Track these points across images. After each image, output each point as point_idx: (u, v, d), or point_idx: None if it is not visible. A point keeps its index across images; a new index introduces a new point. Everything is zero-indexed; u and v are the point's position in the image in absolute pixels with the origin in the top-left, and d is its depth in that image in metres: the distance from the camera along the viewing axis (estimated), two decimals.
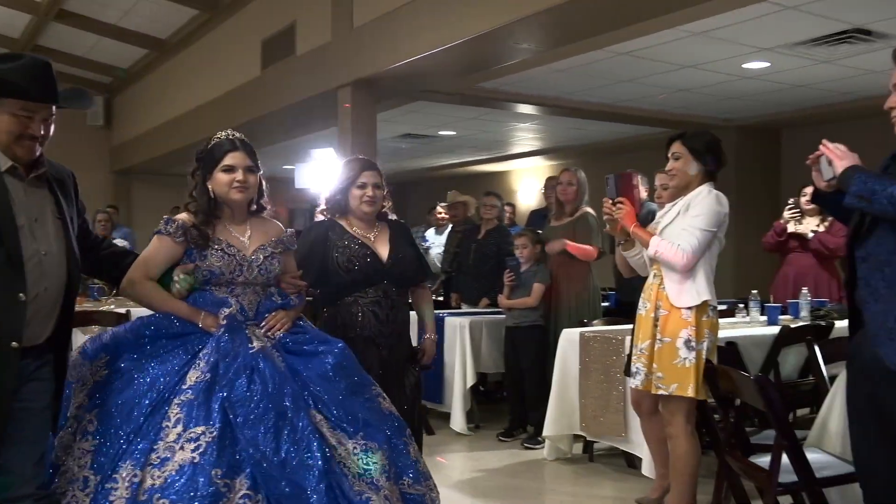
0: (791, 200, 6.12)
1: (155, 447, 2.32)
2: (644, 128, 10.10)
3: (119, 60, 12.54)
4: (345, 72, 7.50)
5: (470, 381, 5.52)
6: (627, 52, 6.89)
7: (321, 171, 7.85)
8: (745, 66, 7.34)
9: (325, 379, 2.58)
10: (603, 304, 5.91)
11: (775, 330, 4.46)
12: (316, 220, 3.37)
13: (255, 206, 2.80)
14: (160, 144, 11.91)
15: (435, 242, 7.85)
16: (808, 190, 5.87)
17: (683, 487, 3.49)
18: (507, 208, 7.56)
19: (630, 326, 4.03)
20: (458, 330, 5.55)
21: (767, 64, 7.28)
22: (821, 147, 2.44)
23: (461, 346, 5.52)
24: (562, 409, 4.69)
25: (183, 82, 11.29)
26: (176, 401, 2.38)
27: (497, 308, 5.65)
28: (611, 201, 3.60)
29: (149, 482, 2.26)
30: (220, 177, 2.69)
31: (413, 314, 3.62)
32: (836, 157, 2.37)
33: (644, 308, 3.54)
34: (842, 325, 4.37)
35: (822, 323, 4.68)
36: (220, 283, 2.64)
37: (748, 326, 4.82)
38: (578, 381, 4.57)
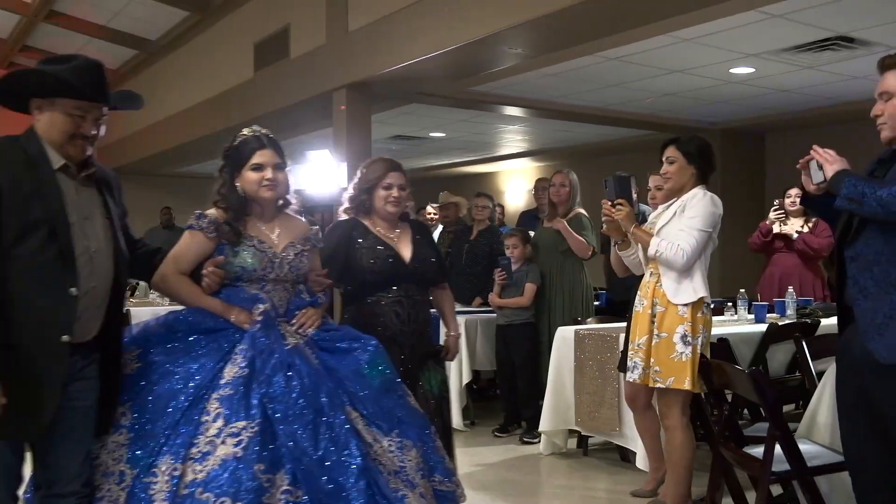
0: (776, 202, 6.23)
1: (195, 441, 2.29)
2: (630, 130, 10.19)
3: (109, 61, 12.53)
4: (340, 75, 7.56)
5: (465, 379, 5.59)
6: (616, 57, 6.98)
7: (317, 173, 7.88)
8: (731, 70, 7.44)
9: (360, 376, 2.57)
10: (594, 303, 6.00)
11: (763, 328, 4.56)
12: (339, 218, 3.40)
13: (282, 202, 2.77)
14: (150, 145, 11.88)
15: None
16: (793, 191, 6.02)
17: (679, 478, 3.61)
18: (497, 209, 7.63)
19: (623, 324, 4.16)
20: None
21: (753, 69, 7.40)
22: (811, 151, 2.52)
23: None
24: (557, 405, 4.77)
25: (173, 84, 11.27)
26: (214, 395, 2.36)
27: (489, 307, 5.71)
28: (610, 203, 3.68)
29: (190, 476, 2.24)
30: (249, 175, 2.66)
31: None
32: (826, 162, 2.46)
33: (641, 305, 3.66)
34: (827, 322, 4.49)
35: (809, 321, 4.78)
36: (251, 279, 2.61)
37: (737, 324, 4.93)
38: (573, 378, 4.66)
